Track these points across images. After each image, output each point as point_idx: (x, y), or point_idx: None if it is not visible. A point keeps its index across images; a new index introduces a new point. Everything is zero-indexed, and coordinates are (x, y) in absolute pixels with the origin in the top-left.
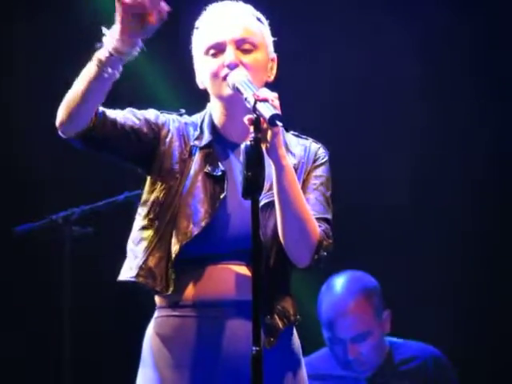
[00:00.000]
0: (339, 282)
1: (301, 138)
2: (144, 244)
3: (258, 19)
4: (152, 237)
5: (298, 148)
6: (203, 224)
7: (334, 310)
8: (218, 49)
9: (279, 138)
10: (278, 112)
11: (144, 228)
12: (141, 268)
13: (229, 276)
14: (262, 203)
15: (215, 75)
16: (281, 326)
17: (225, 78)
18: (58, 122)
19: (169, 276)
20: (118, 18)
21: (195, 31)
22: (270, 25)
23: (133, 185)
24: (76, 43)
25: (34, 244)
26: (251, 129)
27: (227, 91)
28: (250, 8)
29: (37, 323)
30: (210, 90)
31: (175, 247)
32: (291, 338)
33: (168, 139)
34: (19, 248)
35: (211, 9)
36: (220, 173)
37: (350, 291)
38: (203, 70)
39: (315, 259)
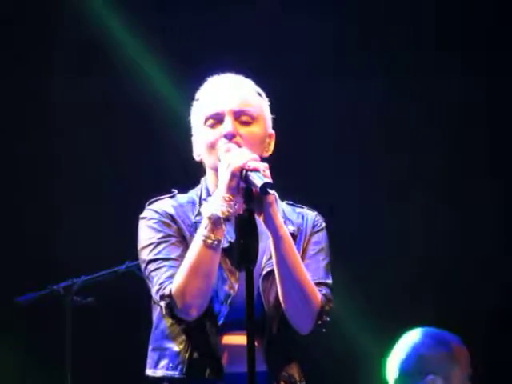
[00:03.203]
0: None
1: (296, 206)
2: (182, 337)
3: (258, 94)
4: (187, 328)
5: (294, 215)
6: (230, 300)
7: None
8: (217, 119)
9: (274, 208)
10: (270, 180)
11: (177, 322)
12: (189, 364)
13: (236, 346)
14: (264, 272)
15: (212, 146)
16: None
17: None
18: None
19: (218, 362)
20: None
21: (195, 102)
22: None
23: (134, 254)
24: None
25: (35, 314)
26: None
27: None
28: (250, 82)
29: None
30: (205, 162)
31: (213, 330)
32: None
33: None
34: (21, 317)
35: (212, 80)
36: (227, 244)
37: None
38: (201, 140)
39: (318, 324)
